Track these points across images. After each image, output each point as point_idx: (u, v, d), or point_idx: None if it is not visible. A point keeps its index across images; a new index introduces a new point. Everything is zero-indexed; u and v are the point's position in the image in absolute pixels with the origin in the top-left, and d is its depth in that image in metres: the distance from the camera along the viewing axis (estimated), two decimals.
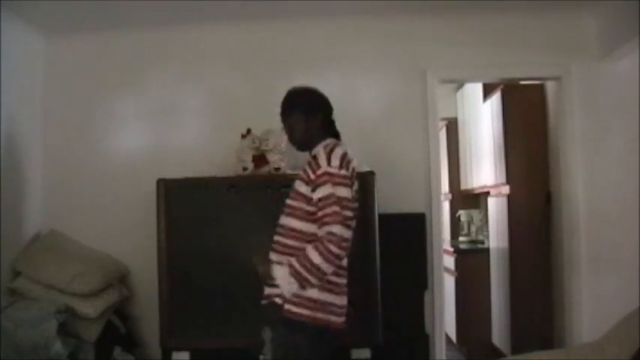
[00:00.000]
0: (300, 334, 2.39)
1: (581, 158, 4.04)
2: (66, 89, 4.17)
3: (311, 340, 2.40)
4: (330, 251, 2.31)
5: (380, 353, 3.44)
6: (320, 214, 2.36)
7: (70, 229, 4.01)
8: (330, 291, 2.42)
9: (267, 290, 2.48)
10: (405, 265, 3.77)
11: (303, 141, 2.60)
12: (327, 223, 2.34)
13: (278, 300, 2.40)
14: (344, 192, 2.38)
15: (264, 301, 2.48)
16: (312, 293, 2.38)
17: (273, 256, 2.48)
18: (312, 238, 2.39)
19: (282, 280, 2.38)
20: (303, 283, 2.35)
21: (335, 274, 2.42)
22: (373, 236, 3.44)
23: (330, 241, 2.31)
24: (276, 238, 2.50)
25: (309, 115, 2.56)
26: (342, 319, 2.48)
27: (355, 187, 2.52)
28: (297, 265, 2.35)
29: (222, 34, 4.14)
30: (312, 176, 2.41)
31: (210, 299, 3.47)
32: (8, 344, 3.18)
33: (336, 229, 2.32)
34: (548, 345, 4.17)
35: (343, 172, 2.40)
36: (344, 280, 2.49)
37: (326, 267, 2.33)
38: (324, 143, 2.51)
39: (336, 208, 2.34)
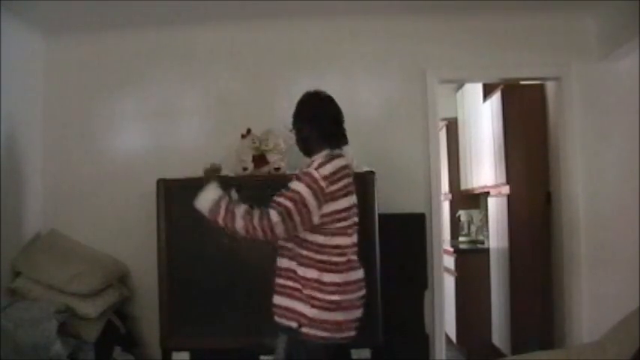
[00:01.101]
0: (315, 350, 2.43)
1: (581, 158, 4.04)
2: (66, 89, 4.17)
3: (325, 352, 2.45)
4: (252, 222, 2.35)
5: (380, 353, 3.44)
6: (275, 198, 2.41)
7: (70, 229, 4.01)
8: (345, 309, 2.45)
9: (276, 301, 2.50)
10: (405, 265, 3.77)
11: (304, 147, 2.65)
12: (270, 206, 2.38)
13: (293, 324, 2.42)
14: (308, 196, 2.38)
15: (278, 318, 2.51)
16: (329, 316, 2.41)
17: (282, 263, 2.52)
18: (312, 247, 2.44)
19: (207, 196, 2.45)
20: (215, 211, 2.41)
21: (348, 291, 2.45)
22: (373, 236, 3.44)
23: (260, 218, 2.35)
24: (282, 243, 2.53)
25: (312, 122, 2.59)
26: (355, 332, 2.52)
27: (341, 205, 2.47)
28: (229, 208, 2.40)
29: (222, 34, 4.14)
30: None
31: (210, 299, 3.47)
32: (8, 344, 3.17)
33: (273, 215, 2.35)
34: (548, 345, 4.17)
35: (324, 183, 2.40)
36: (358, 294, 2.52)
37: (239, 227, 2.37)
38: (325, 152, 2.52)
39: (288, 204, 2.36)
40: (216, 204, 2.43)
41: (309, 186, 2.38)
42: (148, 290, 3.75)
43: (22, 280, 3.60)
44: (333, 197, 2.43)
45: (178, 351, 3.48)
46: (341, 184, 2.45)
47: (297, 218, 2.36)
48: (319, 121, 2.59)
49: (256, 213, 2.38)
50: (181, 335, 3.49)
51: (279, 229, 2.36)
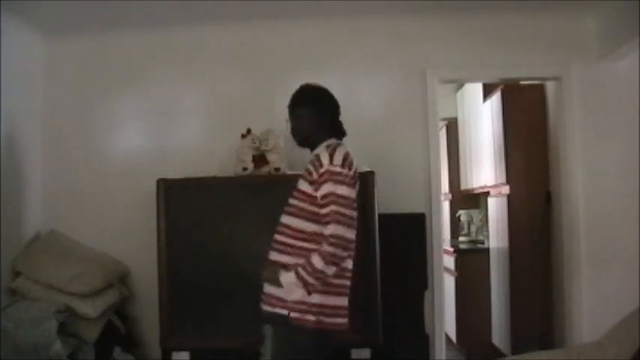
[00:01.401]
0: (303, 338, 2.41)
1: (581, 158, 4.04)
2: (66, 89, 4.17)
3: (314, 343, 2.42)
4: (330, 254, 2.34)
5: (380, 353, 3.44)
6: (322, 212, 2.39)
7: (70, 229, 4.01)
8: (333, 294, 2.43)
9: (267, 290, 2.48)
10: (405, 265, 3.77)
11: (304, 137, 2.63)
12: (327, 223, 2.36)
13: (281, 310, 2.41)
14: (345, 190, 2.39)
15: (265, 306, 2.48)
16: (316, 299, 2.39)
17: (274, 256, 2.49)
18: (313, 238, 2.41)
19: (289, 287, 2.38)
20: (309, 288, 2.37)
21: (338, 276, 2.43)
22: (373, 236, 3.43)
23: (331, 244, 2.34)
24: (278, 237, 2.50)
25: (315, 112, 2.59)
26: (345, 320, 2.49)
27: (357, 187, 2.52)
28: (303, 273, 2.36)
29: (222, 34, 4.14)
30: (315, 176, 2.43)
31: (210, 299, 3.47)
32: (8, 344, 3.18)
33: (335, 228, 2.34)
34: (548, 345, 4.17)
35: (345, 170, 2.41)
36: (347, 282, 2.50)
37: (329, 270, 2.36)
38: (326, 143, 2.54)
39: (334, 207, 2.36)
40: (296, 279, 2.37)
41: (335, 181, 2.38)
42: (148, 290, 3.74)
43: (22, 280, 3.60)
44: (355, 180, 2.45)
45: (178, 351, 3.47)
46: (352, 170, 2.46)
47: (349, 212, 2.37)
48: (323, 109, 2.59)
49: (316, 252, 2.35)
50: (181, 335, 3.48)
51: (349, 234, 2.35)
